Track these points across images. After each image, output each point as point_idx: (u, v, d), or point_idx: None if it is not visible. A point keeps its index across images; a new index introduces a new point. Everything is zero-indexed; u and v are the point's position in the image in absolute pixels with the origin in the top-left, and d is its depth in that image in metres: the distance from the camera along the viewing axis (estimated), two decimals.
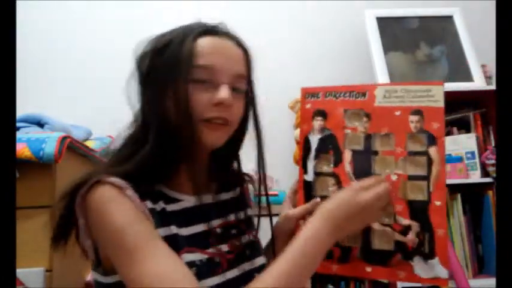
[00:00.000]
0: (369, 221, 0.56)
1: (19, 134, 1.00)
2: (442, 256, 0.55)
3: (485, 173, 1.30)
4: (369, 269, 0.58)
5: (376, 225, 0.58)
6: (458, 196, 1.30)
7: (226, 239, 0.59)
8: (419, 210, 0.56)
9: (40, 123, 1.16)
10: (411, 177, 0.57)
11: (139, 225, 0.48)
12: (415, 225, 0.56)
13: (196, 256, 0.53)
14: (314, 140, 0.63)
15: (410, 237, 0.56)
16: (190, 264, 0.51)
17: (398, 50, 1.47)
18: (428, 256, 0.55)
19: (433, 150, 0.57)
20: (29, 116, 1.16)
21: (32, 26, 1.59)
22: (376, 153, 0.59)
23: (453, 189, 1.31)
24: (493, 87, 1.36)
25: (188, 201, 0.57)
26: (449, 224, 1.29)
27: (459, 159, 1.32)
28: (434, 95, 0.59)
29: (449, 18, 1.52)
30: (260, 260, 0.61)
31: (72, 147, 1.02)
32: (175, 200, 0.56)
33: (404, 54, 1.47)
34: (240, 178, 0.67)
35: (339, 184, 0.60)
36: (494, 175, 1.27)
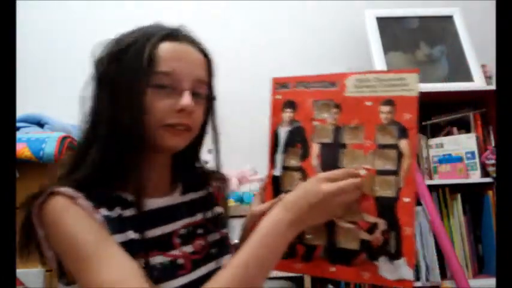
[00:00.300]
0: (331, 213, 0.54)
1: (19, 134, 1.00)
2: (409, 256, 0.52)
3: (485, 173, 1.30)
4: (332, 269, 0.55)
5: (341, 223, 0.55)
6: (458, 196, 1.30)
7: (191, 239, 0.58)
8: (386, 207, 0.53)
9: (40, 123, 1.17)
10: (380, 172, 0.54)
11: (92, 234, 0.48)
12: (382, 223, 0.53)
13: (156, 259, 0.52)
14: (283, 132, 0.60)
15: (376, 236, 0.53)
16: (151, 268, 0.51)
17: (399, 50, 1.47)
18: (394, 256, 0.52)
19: (403, 143, 0.53)
20: (29, 116, 1.16)
21: (32, 26, 1.59)
22: (344, 146, 0.56)
23: (453, 189, 1.31)
24: (493, 87, 1.36)
25: (149, 204, 0.56)
26: (449, 224, 1.29)
27: (459, 159, 1.32)
28: (408, 84, 0.54)
29: (449, 18, 1.52)
30: (227, 259, 0.61)
31: (73, 147, 1.02)
32: (133, 204, 0.55)
33: (405, 54, 1.47)
34: (207, 178, 0.67)
35: (305, 179, 0.57)
36: (494, 175, 1.27)
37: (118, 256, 0.48)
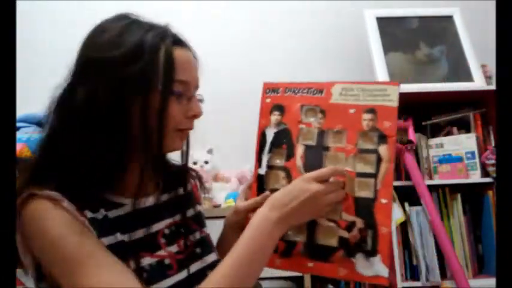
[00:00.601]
0: (317, 212, 0.55)
1: (19, 134, 1.00)
2: (384, 254, 0.54)
3: (485, 173, 1.30)
4: (310, 264, 0.57)
5: (322, 221, 0.58)
6: (458, 196, 1.30)
7: (175, 239, 0.58)
8: (364, 207, 0.56)
9: (40, 123, 1.16)
10: (359, 175, 0.57)
11: (79, 237, 0.47)
12: (360, 222, 0.56)
13: (145, 261, 0.52)
14: (270, 134, 0.63)
15: (354, 234, 0.56)
16: (139, 270, 0.50)
17: (398, 50, 1.47)
18: (370, 253, 0.55)
19: (383, 149, 0.57)
20: (28, 116, 1.16)
21: (32, 26, 1.59)
22: (327, 149, 0.59)
23: (453, 189, 1.32)
24: (493, 87, 1.36)
25: (130, 204, 0.55)
26: (449, 224, 1.29)
27: (459, 159, 1.32)
28: (389, 95, 0.58)
29: (449, 18, 1.52)
30: (212, 257, 0.61)
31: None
32: (118, 205, 0.54)
33: (404, 54, 1.47)
34: (184, 175, 0.66)
35: (289, 178, 0.60)
36: (494, 175, 1.27)
37: (108, 259, 0.47)
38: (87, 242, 0.47)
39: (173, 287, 0.53)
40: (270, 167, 0.63)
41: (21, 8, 1.55)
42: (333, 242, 0.57)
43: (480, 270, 1.29)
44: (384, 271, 0.54)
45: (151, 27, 0.55)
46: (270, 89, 0.65)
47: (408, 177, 1.27)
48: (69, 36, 1.75)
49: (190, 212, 0.64)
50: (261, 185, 0.63)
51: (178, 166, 0.65)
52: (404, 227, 1.27)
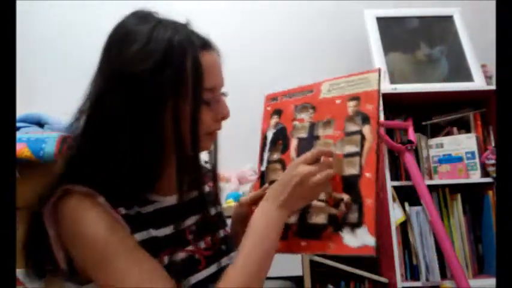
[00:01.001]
0: (311, 193, 0.57)
1: (19, 134, 1.00)
2: (370, 225, 0.56)
3: (485, 173, 1.30)
4: (303, 243, 0.60)
5: (313, 202, 0.61)
6: (459, 196, 1.30)
7: (202, 236, 0.59)
8: (351, 184, 0.59)
9: (40, 123, 1.16)
10: (346, 155, 0.61)
11: (112, 234, 0.48)
12: (347, 197, 0.59)
13: (177, 256, 0.53)
14: (270, 134, 0.70)
15: (341, 209, 0.59)
16: (172, 264, 0.51)
17: (398, 50, 1.47)
18: (356, 225, 0.57)
19: (366, 129, 0.61)
20: (28, 116, 1.16)
21: (32, 26, 1.59)
22: (317, 138, 0.64)
23: (453, 189, 1.32)
24: (493, 87, 1.36)
25: (161, 201, 0.57)
26: (449, 224, 1.29)
27: (459, 159, 1.32)
28: (370, 81, 0.62)
29: (449, 18, 1.52)
30: (236, 254, 0.62)
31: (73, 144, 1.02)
32: (150, 202, 0.56)
33: (404, 54, 1.47)
34: (204, 175, 0.68)
35: (285, 169, 0.63)
36: (495, 175, 1.27)
37: (141, 256, 0.48)
38: (119, 239, 0.48)
39: (202, 282, 0.54)
40: (269, 162, 0.68)
41: (21, 8, 1.55)
42: (323, 219, 0.60)
43: (480, 270, 1.29)
44: (370, 240, 0.55)
45: (175, 30, 0.53)
46: (271, 98, 0.73)
47: (408, 177, 1.27)
48: (69, 36, 1.75)
49: (213, 211, 0.66)
50: (263, 180, 0.68)
51: (203, 165, 0.67)
52: (404, 227, 1.27)
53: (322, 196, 0.60)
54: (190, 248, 0.56)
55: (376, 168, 0.58)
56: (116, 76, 0.51)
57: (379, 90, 0.61)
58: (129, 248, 0.48)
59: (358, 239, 0.56)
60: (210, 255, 0.58)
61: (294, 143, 0.66)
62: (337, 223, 0.58)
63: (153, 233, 0.52)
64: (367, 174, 0.58)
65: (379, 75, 0.62)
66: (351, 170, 0.60)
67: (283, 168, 0.65)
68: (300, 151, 0.64)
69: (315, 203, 0.60)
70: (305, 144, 0.64)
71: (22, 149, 0.89)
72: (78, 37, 1.61)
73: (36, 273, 0.53)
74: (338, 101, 0.64)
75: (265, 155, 0.69)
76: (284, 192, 0.55)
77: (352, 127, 0.61)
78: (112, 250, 0.47)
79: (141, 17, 0.55)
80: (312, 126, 0.65)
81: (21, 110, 1.03)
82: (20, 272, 0.85)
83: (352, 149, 0.60)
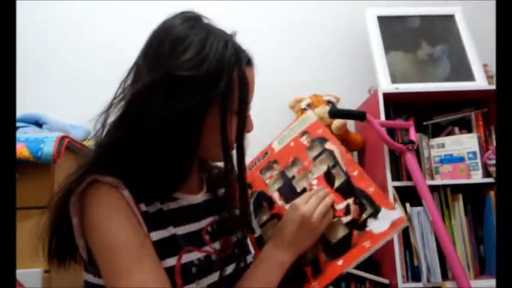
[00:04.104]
0: (317, 231, 0.59)
1: (17, 134, 1.00)
2: (385, 204, 0.59)
3: (487, 173, 1.29)
4: (340, 263, 0.59)
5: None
6: (460, 196, 1.29)
7: (218, 237, 0.60)
8: (346, 189, 0.62)
9: (38, 123, 1.17)
10: (327, 173, 0.65)
11: (129, 233, 0.49)
12: (350, 200, 0.61)
13: (194, 255, 0.54)
14: (251, 207, 0.72)
15: (353, 210, 0.61)
16: (190, 264, 0.52)
17: (400, 49, 1.46)
18: (376, 213, 0.59)
19: (328, 144, 0.67)
20: (27, 116, 1.16)
21: (32, 26, 1.59)
22: (293, 177, 0.68)
23: (455, 189, 1.31)
24: (494, 86, 1.35)
25: (184, 199, 0.58)
26: (450, 224, 1.29)
27: (461, 160, 1.32)
28: (309, 118, 0.71)
29: (450, 17, 1.51)
30: (249, 258, 0.64)
31: (71, 147, 1.02)
32: (172, 199, 0.57)
33: (406, 53, 1.46)
34: (228, 178, 0.67)
35: (281, 218, 0.65)
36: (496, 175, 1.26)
37: (150, 260, 0.49)
38: (134, 240, 0.49)
39: (217, 283, 0.55)
40: (262, 225, 0.69)
41: (21, 8, 1.56)
42: (343, 231, 0.60)
43: (482, 271, 1.28)
44: (396, 214, 0.57)
45: (226, 42, 0.55)
46: None
47: (409, 178, 1.26)
48: (69, 36, 1.75)
49: (230, 214, 0.65)
50: (260, 243, 0.68)
51: (220, 168, 0.68)
52: (405, 228, 1.26)
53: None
54: (207, 248, 0.57)
55: (359, 167, 0.63)
56: (166, 76, 0.51)
57: (318, 119, 0.70)
58: (141, 250, 0.49)
59: (386, 220, 0.57)
60: (226, 257, 0.59)
61: (276, 196, 0.68)
62: (357, 224, 0.60)
63: (173, 230, 0.53)
64: (354, 173, 0.62)
65: (312, 111, 0.74)
66: (339, 180, 0.63)
67: (280, 218, 0.65)
68: (285, 196, 0.67)
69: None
70: (287, 189, 0.68)
71: (20, 149, 0.89)
72: (78, 37, 1.61)
73: (58, 257, 0.54)
74: (292, 144, 0.71)
75: (254, 223, 0.70)
76: (288, 233, 0.58)
77: (315, 151, 0.67)
78: (123, 250, 0.48)
79: (192, 22, 0.56)
80: (283, 173, 0.69)
81: (20, 109, 1.03)
82: (18, 273, 0.85)
83: (328, 164, 0.65)
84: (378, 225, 0.58)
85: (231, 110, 0.54)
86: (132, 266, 0.47)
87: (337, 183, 0.63)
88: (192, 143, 0.53)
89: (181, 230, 0.55)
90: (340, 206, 0.61)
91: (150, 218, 0.51)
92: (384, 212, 0.58)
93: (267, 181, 0.71)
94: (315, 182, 0.65)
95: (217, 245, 0.59)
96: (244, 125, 0.55)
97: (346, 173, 0.63)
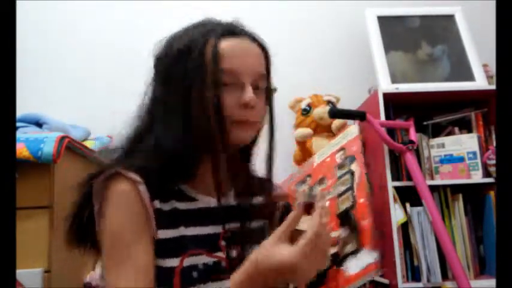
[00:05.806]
0: (323, 258, 0.52)
1: (17, 134, 1.00)
2: (368, 243, 0.56)
3: (487, 173, 1.29)
4: None
5: None
6: (460, 196, 1.29)
7: (235, 245, 0.58)
8: (345, 216, 0.61)
9: (38, 123, 1.17)
10: (340, 195, 0.65)
11: (135, 234, 0.50)
12: (343, 232, 0.60)
13: (201, 259, 0.53)
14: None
15: (340, 245, 0.59)
16: (192, 268, 0.51)
17: (400, 49, 1.46)
18: (356, 251, 0.57)
19: (353, 165, 0.66)
20: (27, 116, 1.16)
21: (32, 26, 1.59)
22: (315, 196, 0.66)
23: (455, 189, 1.31)
24: (494, 86, 1.35)
25: (203, 201, 0.57)
26: (450, 224, 1.29)
27: (461, 160, 1.32)
28: (351, 133, 0.72)
29: (450, 17, 1.51)
30: None
31: (71, 147, 1.02)
32: (190, 199, 0.56)
33: (406, 53, 1.46)
34: (262, 187, 0.65)
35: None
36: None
37: (143, 263, 0.49)
38: (135, 240, 0.49)
39: None
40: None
41: (20, 8, 1.56)
42: (326, 263, 0.59)
43: (482, 271, 1.28)
44: (371, 257, 0.55)
45: (204, 24, 0.58)
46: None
47: (409, 178, 1.26)
48: (69, 36, 1.75)
49: (255, 224, 0.62)
50: None
51: (261, 178, 0.64)
52: (405, 228, 1.26)
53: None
54: (219, 254, 0.55)
55: (367, 193, 0.61)
56: (155, 66, 0.59)
57: (359, 136, 0.71)
58: (138, 253, 0.49)
59: (360, 262, 0.56)
60: (236, 265, 0.55)
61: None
62: (338, 258, 0.58)
63: (183, 231, 0.53)
64: (361, 200, 0.61)
65: (359, 126, 0.74)
66: (345, 205, 0.63)
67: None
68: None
69: None
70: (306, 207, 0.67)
71: (20, 149, 0.89)
72: (78, 37, 1.61)
73: (77, 241, 0.55)
74: (328, 159, 0.73)
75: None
76: (264, 275, 0.49)
77: (342, 171, 0.68)
78: (121, 249, 0.49)
79: (199, 22, 0.61)
80: (310, 189, 0.72)
81: (20, 109, 1.03)
82: (18, 273, 0.85)
83: (344, 187, 0.65)
84: (352, 266, 0.56)
85: (213, 81, 0.53)
86: (130, 270, 0.48)
87: (341, 208, 0.63)
88: (183, 124, 0.54)
89: (192, 231, 0.54)
90: (334, 234, 0.60)
91: (163, 216, 0.52)
92: (363, 252, 0.56)
93: (296, 194, 0.72)
94: (327, 203, 0.62)
95: (232, 253, 0.57)
96: (217, 92, 0.53)
97: (354, 199, 0.62)
